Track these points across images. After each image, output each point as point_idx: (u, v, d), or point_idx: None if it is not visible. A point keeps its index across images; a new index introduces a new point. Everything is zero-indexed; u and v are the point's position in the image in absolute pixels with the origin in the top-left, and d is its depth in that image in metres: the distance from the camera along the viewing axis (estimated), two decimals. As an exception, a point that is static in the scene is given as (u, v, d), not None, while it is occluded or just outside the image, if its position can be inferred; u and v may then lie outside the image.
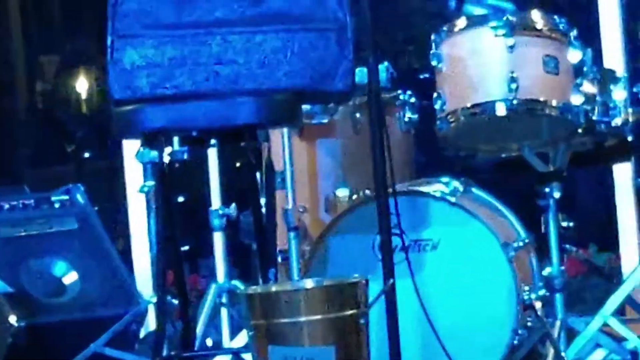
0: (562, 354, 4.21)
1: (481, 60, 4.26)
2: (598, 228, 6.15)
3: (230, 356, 4.70)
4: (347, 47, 3.62)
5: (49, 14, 8.34)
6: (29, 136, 7.72)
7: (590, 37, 5.00)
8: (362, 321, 2.96)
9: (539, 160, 4.30)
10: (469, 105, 4.18)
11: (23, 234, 5.15)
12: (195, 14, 3.65)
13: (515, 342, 4.14)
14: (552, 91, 4.22)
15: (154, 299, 4.21)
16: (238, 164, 4.80)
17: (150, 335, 5.04)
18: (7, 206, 5.17)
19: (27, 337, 4.92)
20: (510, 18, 4.25)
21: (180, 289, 4.09)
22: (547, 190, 4.26)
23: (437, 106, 4.23)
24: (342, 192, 4.56)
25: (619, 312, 4.60)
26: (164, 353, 3.69)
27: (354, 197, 4.42)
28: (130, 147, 4.93)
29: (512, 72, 4.05)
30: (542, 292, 4.36)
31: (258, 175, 3.92)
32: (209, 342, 5.00)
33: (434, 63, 4.28)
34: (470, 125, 4.26)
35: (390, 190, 3.51)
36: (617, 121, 4.31)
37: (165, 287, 3.97)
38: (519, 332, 4.16)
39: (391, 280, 3.37)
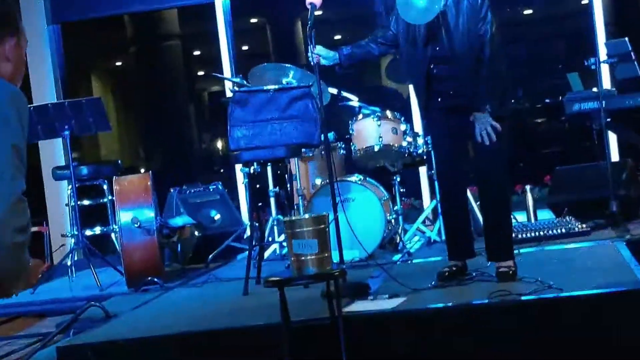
0: (402, 239, 7.29)
1: (368, 130, 7.25)
2: (414, 190, 9.03)
3: (278, 245, 7.80)
4: (318, 127, 6.16)
5: (205, 117, 11.80)
6: (201, 164, 11.34)
7: (410, 118, 8.06)
8: (327, 229, 4.71)
9: (390, 167, 7.43)
10: (364, 146, 7.22)
11: (198, 200, 8.48)
12: (261, 116, 6.28)
13: (385, 234, 7.14)
14: (395, 140, 7.20)
15: (249, 223, 7.60)
16: (279, 172, 7.68)
17: (248, 237, 7.80)
18: (193, 190, 8.54)
19: (201, 240, 8.27)
20: (379, 114, 7.24)
21: (258, 219, 7.13)
22: (394, 177, 7.43)
23: (352, 148, 7.34)
24: (318, 181, 7.47)
25: (423, 222, 7.72)
26: (253, 243, 6.56)
27: (322, 182, 7.28)
28: (238, 167, 8.32)
29: (380, 134, 7.14)
30: (394, 216, 7.34)
31: (286, 176, 7.24)
32: (270, 239, 7.94)
33: (350, 131, 7.35)
34: (365, 154, 7.25)
35: (334, 179, 5.96)
36: (420, 151, 7.36)
37: (253, 219, 7.15)
38: (386, 231, 7.13)
39: (334, 215, 5.69)
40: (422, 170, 8.75)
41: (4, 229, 2.49)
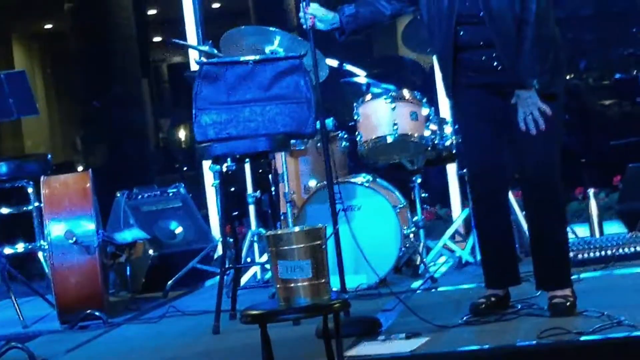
0: (424, 259, 7.35)
1: (379, 115, 7.27)
2: (440, 196, 9.05)
3: (259, 267, 7.76)
4: (312, 111, 6.24)
5: (165, 96, 11.92)
6: (157, 160, 11.47)
7: (434, 99, 8.03)
8: (323, 247, 4.54)
9: (408, 163, 7.44)
10: (373, 137, 7.25)
11: (154, 208, 8.47)
12: (237, 96, 6.36)
13: (400, 254, 7.15)
14: (414, 129, 7.23)
15: (220, 239, 7.65)
16: (260, 171, 7.60)
17: (219, 257, 7.91)
18: (147, 195, 8.54)
19: (158, 261, 8.29)
20: (393, 94, 7.27)
21: (233, 233, 7.14)
22: (413, 178, 7.46)
23: (358, 139, 7.32)
24: (312, 183, 7.57)
25: (451, 237, 7.67)
26: (226, 265, 6.55)
27: (318, 185, 7.35)
28: (206, 164, 8.19)
29: (395, 120, 7.16)
30: (413, 229, 7.38)
31: (270, 176, 6.98)
32: (249, 260, 7.91)
33: (355, 117, 7.36)
34: (374, 147, 7.28)
35: (334, 180, 6.08)
36: (447, 143, 7.39)
37: (226, 233, 7.04)
38: (402, 249, 7.14)
39: (334, 228, 5.70)
40: (451, 169, 8.75)
41: None
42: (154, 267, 8.43)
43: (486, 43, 5.60)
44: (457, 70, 5.72)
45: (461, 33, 5.60)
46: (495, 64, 5.61)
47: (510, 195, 6.39)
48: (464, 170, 6.90)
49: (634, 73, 7.68)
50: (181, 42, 9.30)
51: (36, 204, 8.07)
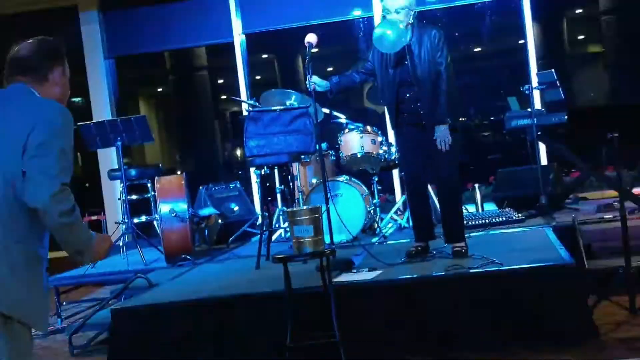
0: (379, 225, 7.21)
1: (353, 141, 7.17)
2: (389, 187, 8.92)
3: (283, 230, 7.70)
4: (313, 139, 6.24)
5: (227, 130, 11.65)
6: (224, 167, 11.27)
7: (385, 132, 7.81)
8: (320, 218, 4.67)
9: (370, 169, 7.32)
10: (350, 154, 7.15)
11: (221, 195, 8.42)
12: (269, 130, 6.37)
13: (365, 222, 7.04)
14: (374, 149, 7.13)
15: (260, 213, 7.60)
16: (283, 174, 7.45)
17: (259, 224, 7.55)
18: (217, 187, 8.53)
19: (223, 227, 8.25)
20: (361, 128, 7.21)
21: (267, 210, 7.01)
22: (373, 178, 7.36)
23: (340, 155, 7.26)
24: (314, 180, 7.38)
25: (395, 212, 7.58)
26: (264, 228, 6.58)
27: (317, 182, 7.17)
28: (252, 170, 8.27)
29: (362, 144, 7.09)
30: (372, 207, 7.22)
31: (289, 176, 7.08)
32: (277, 225, 7.73)
33: (339, 142, 7.27)
34: (350, 160, 7.16)
35: (326, 179, 5.91)
36: (392, 157, 7.27)
37: (263, 210, 7.05)
38: (366, 219, 7.03)
39: (326, 207, 5.57)
40: (395, 172, 8.71)
41: (50, 214, 2.59)
42: (221, 230, 8.35)
43: (416, 98, 5.58)
44: (399, 114, 5.68)
45: (401, 93, 5.58)
46: (420, 111, 5.57)
47: (430, 188, 6.35)
48: (402, 174, 7.13)
49: (501, 117, 7.69)
50: (237, 99, 9.28)
51: (152, 193, 8.01)
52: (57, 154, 2.64)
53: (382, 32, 5.39)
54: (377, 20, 9.25)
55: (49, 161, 2.61)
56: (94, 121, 8.17)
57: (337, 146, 7.28)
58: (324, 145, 7.06)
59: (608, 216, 6.51)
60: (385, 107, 5.86)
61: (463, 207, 6.37)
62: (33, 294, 2.72)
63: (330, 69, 10.59)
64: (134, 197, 8.29)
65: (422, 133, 5.60)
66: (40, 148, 2.61)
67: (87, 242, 2.79)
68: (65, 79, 2.92)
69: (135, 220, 8.11)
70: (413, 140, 5.71)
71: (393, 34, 5.36)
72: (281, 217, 7.85)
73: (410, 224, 6.28)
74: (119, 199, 8.35)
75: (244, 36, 10.06)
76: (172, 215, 7.26)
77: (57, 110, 2.74)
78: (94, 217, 9.51)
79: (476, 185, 8.14)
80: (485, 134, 11.16)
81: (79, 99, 10.46)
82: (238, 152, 11.66)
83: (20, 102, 2.74)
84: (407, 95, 5.61)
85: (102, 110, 10.12)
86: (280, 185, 7.84)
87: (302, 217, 4.71)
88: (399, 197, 8.67)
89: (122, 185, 8.03)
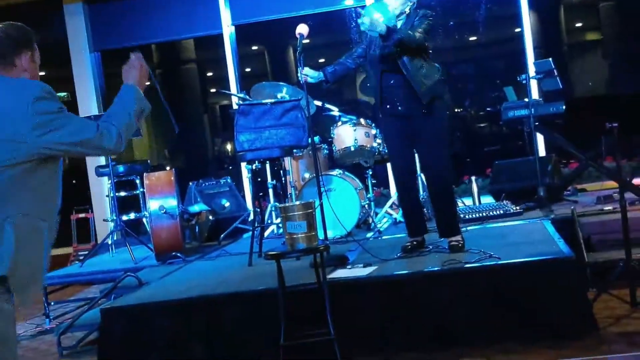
0: (374, 220, 7.18)
1: (346, 134, 7.07)
2: (383, 181, 8.84)
3: (275, 226, 7.61)
4: (306, 132, 6.14)
5: (217, 124, 11.69)
6: (213, 162, 11.23)
7: (377, 123, 7.25)
8: (313, 213, 4.71)
9: (364, 163, 7.27)
10: (343, 147, 7.05)
11: (212, 191, 8.38)
12: (260, 123, 6.22)
13: (360, 216, 7.02)
14: (367, 142, 7.04)
15: (252, 209, 7.64)
16: (275, 168, 7.40)
17: (251, 220, 7.69)
18: (207, 183, 8.47)
19: (214, 223, 8.22)
20: (354, 121, 7.07)
21: (259, 206, 7.00)
22: (367, 171, 7.29)
23: (333, 148, 7.15)
24: (307, 175, 7.38)
25: (390, 206, 7.54)
26: (256, 225, 6.61)
27: (310, 176, 7.18)
28: (243, 165, 8.34)
29: (355, 137, 7.00)
30: (367, 202, 7.18)
31: (281, 171, 7.10)
32: (269, 221, 7.74)
33: (332, 135, 7.17)
34: (343, 153, 7.07)
35: (319, 173, 5.83)
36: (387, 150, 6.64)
37: (255, 205, 7.06)
38: (361, 213, 7.01)
39: (320, 202, 5.57)
40: (389, 166, 8.51)
41: (116, 149, 2.95)
42: (212, 227, 8.36)
43: (398, 85, 5.54)
44: (382, 103, 5.64)
45: (384, 78, 5.54)
46: (403, 100, 5.53)
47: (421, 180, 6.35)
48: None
49: (497, 107, 7.68)
50: (227, 92, 9.30)
51: (141, 189, 8.03)
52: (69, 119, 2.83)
53: (367, 13, 5.35)
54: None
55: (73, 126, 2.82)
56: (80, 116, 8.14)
57: (330, 139, 7.26)
58: (316, 138, 7.00)
59: (608, 208, 6.53)
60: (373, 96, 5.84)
61: (457, 199, 6.36)
62: (27, 263, 2.77)
63: (322, 60, 10.57)
64: (122, 193, 8.34)
65: (407, 122, 5.57)
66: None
67: (138, 108, 3.04)
68: (34, 64, 2.97)
69: (124, 218, 8.18)
70: (398, 130, 5.67)
71: (377, 15, 5.31)
72: (273, 213, 7.85)
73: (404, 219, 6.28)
74: (107, 195, 8.39)
75: (233, 28, 10.05)
76: (162, 212, 7.28)
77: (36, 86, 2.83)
78: (81, 215, 9.52)
79: (473, 178, 8.15)
80: (482, 125, 11.15)
81: (64, 93, 10.32)
82: (228, 147, 11.68)
83: None
84: (391, 82, 5.54)
85: (88, 104, 10.11)
86: (272, 180, 7.81)
87: (295, 213, 4.72)
88: (394, 190, 8.48)
89: (110, 181, 8.08)
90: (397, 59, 5.41)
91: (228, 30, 10.01)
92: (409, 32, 5.34)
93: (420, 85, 5.40)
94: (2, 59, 2.87)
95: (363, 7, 5.65)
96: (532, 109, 7.33)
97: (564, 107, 7.19)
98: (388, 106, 5.61)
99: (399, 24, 5.45)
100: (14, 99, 2.75)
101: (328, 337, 4.57)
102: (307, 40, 5.77)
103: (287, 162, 7.45)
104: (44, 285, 6.81)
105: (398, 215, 7.47)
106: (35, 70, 2.97)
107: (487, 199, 8.06)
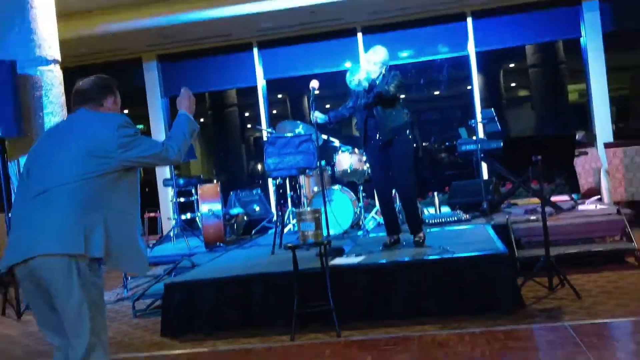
0: (363, 222, 6.84)
1: (344, 160, 6.84)
2: (372, 194, 8.29)
3: (292, 225, 7.46)
4: (315, 158, 6.25)
5: (251, 151, 11.50)
6: (248, 179, 11.15)
7: None
8: (320, 216, 4.74)
9: (357, 181, 6.94)
10: (342, 169, 6.82)
11: (247, 199, 8.21)
12: (283, 151, 6.34)
13: (353, 220, 6.89)
14: (359, 166, 6.78)
15: (275, 213, 7.65)
16: (293, 183, 7.52)
17: (274, 220, 7.55)
18: (244, 193, 8.38)
19: (247, 222, 8.12)
20: (350, 150, 6.86)
21: (281, 210, 6.89)
22: (359, 187, 7.03)
23: (335, 170, 6.92)
24: (315, 188, 7.19)
25: (375, 212, 7.36)
26: (278, 224, 6.40)
27: (317, 190, 6.99)
28: (270, 180, 8.33)
29: (351, 162, 6.76)
30: (358, 209, 6.91)
31: (297, 185, 7.19)
32: (288, 222, 7.56)
33: (334, 160, 6.95)
34: (342, 174, 6.85)
35: (324, 187, 5.90)
36: None
37: (278, 210, 6.95)
38: (354, 218, 6.89)
39: (323, 207, 5.47)
40: None
41: (175, 160, 2.89)
42: (246, 225, 8.32)
43: (374, 125, 5.50)
44: (366, 138, 5.59)
45: (368, 120, 5.50)
46: (379, 135, 5.49)
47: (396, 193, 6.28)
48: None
49: (454, 142, 7.70)
50: (259, 127, 9.29)
51: (196, 196, 8.04)
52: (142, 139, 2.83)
53: (350, 75, 5.40)
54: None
55: (146, 145, 2.83)
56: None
57: (333, 163, 7.18)
58: (323, 162, 6.91)
59: (532, 218, 6.49)
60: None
61: (425, 210, 6.31)
62: (130, 247, 2.78)
63: (327, 105, 10.54)
64: (181, 199, 8.34)
65: (383, 152, 5.51)
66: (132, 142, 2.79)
67: (190, 130, 2.98)
68: (116, 105, 2.96)
69: (183, 217, 8.17)
70: (377, 158, 5.60)
71: (359, 77, 5.34)
72: (291, 216, 7.80)
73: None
74: (171, 200, 8.43)
75: (264, 81, 10.10)
76: (210, 213, 7.30)
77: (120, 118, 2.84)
78: (151, 214, 9.52)
79: (435, 194, 8.09)
80: (443, 155, 11.14)
81: (141, 126, 10.46)
82: (259, 167, 11.65)
83: (89, 118, 2.82)
84: (370, 123, 5.49)
85: (158, 135, 10.09)
86: (290, 191, 7.78)
87: (307, 216, 4.75)
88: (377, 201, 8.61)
89: (173, 190, 8.09)
90: (373, 108, 5.41)
91: (261, 83, 10.06)
92: (385, 87, 5.34)
93: (384, 127, 5.38)
94: (93, 101, 2.86)
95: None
96: (479, 145, 7.32)
97: (502, 144, 7.12)
98: (371, 141, 5.56)
99: (377, 82, 5.43)
100: (103, 126, 2.74)
101: (328, 307, 4.57)
102: (317, 92, 5.74)
103: (302, 179, 7.40)
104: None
105: (380, 219, 7.39)
106: (117, 109, 2.96)
107: (445, 209, 7.99)
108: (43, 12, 6.58)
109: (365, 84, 5.33)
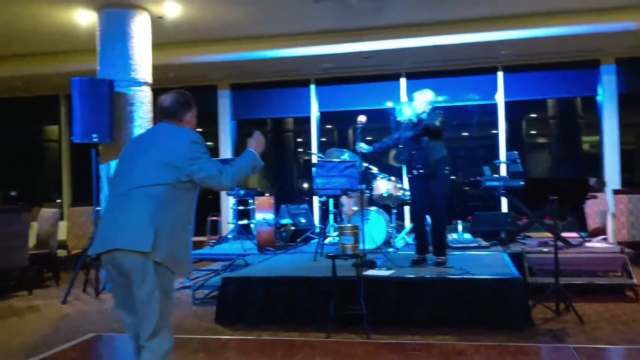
0: (394, 241, 6.82)
1: (381, 185, 6.85)
2: (403, 217, 8.75)
3: (331, 238, 7.32)
4: (357, 181, 6.07)
5: (302, 171, 11.23)
6: (299, 195, 10.84)
7: (401, 180, 7.62)
8: (358, 232, 4.68)
9: (391, 204, 6.96)
10: (379, 193, 6.83)
11: (295, 211, 8.09)
12: (330, 173, 6.08)
13: (385, 238, 6.75)
14: (395, 191, 6.81)
15: (319, 225, 7.47)
16: (336, 202, 7.39)
17: (318, 231, 7.51)
18: (293, 207, 8.21)
19: (294, 232, 7.93)
20: (387, 178, 6.91)
21: (324, 224, 7.01)
22: (393, 210, 7.05)
23: (373, 193, 6.85)
24: (355, 208, 7.10)
25: (406, 233, 7.22)
26: (321, 235, 6.53)
27: (357, 209, 6.94)
28: (316, 198, 8.40)
29: (387, 187, 6.80)
30: (390, 229, 6.84)
31: (340, 204, 7.08)
32: (329, 235, 7.41)
33: (372, 185, 6.89)
34: (379, 197, 6.83)
35: (363, 208, 6.29)
36: (406, 198, 6.93)
37: (321, 224, 7.05)
38: (386, 236, 6.75)
39: (361, 224, 5.54)
40: (406, 208, 8.48)
41: (228, 185, 2.81)
42: (293, 234, 8.23)
43: (418, 157, 5.49)
44: (410, 169, 5.58)
45: (413, 154, 5.49)
46: (421, 167, 5.48)
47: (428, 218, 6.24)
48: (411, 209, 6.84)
49: (478, 178, 7.61)
50: (310, 152, 9.32)
51: (252, 206, 8.06)
52: (214, 162, 2.78)
53: (400, 107, 5.46)
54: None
55: (207, 165, 2.75)
56: (220, 158, 8.30)
57: (371, 187, 7.16)
58: (363, 186, 6.86)
59: (545, 249, 6.34)
60: (404, 166, 5.81)
61: (448, 234, 6.22)
62: (181, 253, 2.73)
63: (369, 138, 10.55)
64: (240, 207, 8.37)
65: (425, 181, 5.48)
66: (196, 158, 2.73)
67: (251, 165, 2.89)
68: (194, 120, 2.95)
69: (240, 222, 8.20)
70: (418, 186, 5.57)
71: (408, 110, 5.41)
72: (332, 229, 7.74)
73: (414, 242, 6.19)
74: (231, 207, 8.44)
75: (318, 113, 10.12)
76: (264, 221, 7.29)
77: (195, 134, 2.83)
78: (214, 218, 9.56)
79: (459, 222, 7.98)
80: (467, 189, 10.96)
81: (211, 143, 10.61)
82: (305, 185, 11.63)
83: (168, 130, 2.82)
84: (415, 154, 5.48)
85: (225, 152, 10.20)
86: (333, 208, 7.72)
87: (347, 231, 4.74)
88: (408, 224, 8.53)
89: (234, 199, 8.12)
90: (420, 140, 5.39)
91: (315, 114, 10.09)
92: (432, 121, 5.36)
93: (428, 159, 5.37)
94: (174, 115, 2.86)
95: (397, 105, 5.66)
96: (502, 182, 7.20)
97: (523, 183, 7.01)
98: (414, 170, 5.55)
99: (423, 117, 5.45)
100: (179, 139, 2.74)
101: (361, 312, 4.53)
102: (363, 125, 5.75)
103: (344, 198, 7.36)
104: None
105: (409, 239, 7.32)
106: (195, 124, 2.95)
107: (467, 236, 7.83)
108: (140, 42, 6.76)
109: (414, 118, 5.39)
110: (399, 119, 5.42)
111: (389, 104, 9.66)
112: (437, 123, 5.33)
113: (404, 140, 5.59)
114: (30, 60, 8.94)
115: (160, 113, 2.86)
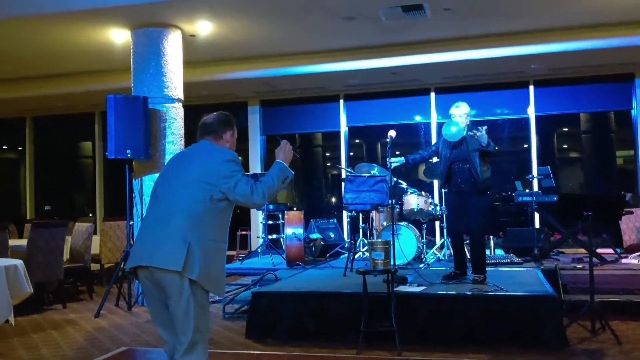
0: (425, 256, 6.82)
1: (412, 200, 6.82)
2: (433, 232, 8.69)
3: (362, 253, 7.28)
4: (387, 197, 5.99)
5: (330, 186, 11.29)
6: (326, 210, 10.87)
7: (432, 195, 7.76)
8: (389, 247, 4.55)
9: (422, 219, 6.97)
10: (409, 208, 6.84)
11: (324, 226, 8.07)
12: (359, 188, 6.12)
13: (416, 253, 6.77)
14: (426, 206, 6.79)
15: (348, 240, 7.32)
16: (365, 217, 7.24)
17: (347, 247, 7.57)
18: (322, 221, 8.15)
19: (323, 247, 7.93)
20: (417, 192, 6.89)
21: (354, 239, 6.72)
22: (423, 225, 7.03)
23: (403, 208, 6.87)
24: (385, 223, 7.04)
25: (436, 248, 7.18)
26: (350, 251, 6.37)
27: (387, 224, 6.94)
28: (345, 212, 8.15)
29: (418, 202, 6.79)
30: (421, 244, 6.90)
31: (370, 218, 7.02)
32: (359, 250, 7.36)
33: (402, 199, 6.90)
34: (409, 212, 6.81)
35: (393, 223, 6.04)
36: (437, 213, 6.95)
37: (351, 238, 6.75)
38: (417, 251, 6.79)
39: (391, 239, 5.19)
40: (437, 223, 8.51)
41: (259, 203, 2.78)
42: (322, 249, 8.24)
43: (458, 172, 5.43)
44: (449, 183, 5.52)
45: (452, 167, 5.45)
46: (463, 182, 5.42)
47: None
48: (443, 225, 6.90)
49: (511, 194, 7.54)
50: (339, 166, 9.29)
51: (282, 221, 8.10)
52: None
53: (449, 127, 5.36)
54: (433, 124, 9.43)
55: (240, 183, 2.74)
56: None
57: (401, 202, 7.14)
58: (393, 201, 6.83)
59: (579, 266, 6.27)
60: (437, 180, 5.78)
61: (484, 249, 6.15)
62: (215, 272, 2.73)
63: (397, 152, 10.53)
64: (270, 222, 8.40)
65: (462, 197, 5.43)
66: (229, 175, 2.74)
67: (281, 177, 2.84)
68: (233, 138, 2.98)
69: (270, 237, 8.23)
70: (455, 202, 5.53)
71: (456, 129, 5.32)
72: (361, 244, 7.71)
73: (447, 257, 6.19)
74: (261, 222, 8.49)
75: (347, 127, 10.13)
76: (293, 235, 7.32)
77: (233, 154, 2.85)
78: (243, 232, 9.60)
79: (491, 237, 7.89)
80: (499, 203, 10.83)
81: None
82: (333, 199, 11.63)
83: (207, 149, 2.85)
84: (456, 170, 5.43)
85: (255, 166, 10.27)
86: (362, 223, 7.69)
87: (378, 246, 4.69)
88: (439, 239, 8.44)
89: (263, 213, 8.16)
90: (467, 156, 5.34)
91: (344, 129, 10.10)
92: (491, 144, 5.27)
93: (479, 177, 5.30)
94: (215, 134, 2.89)
95: (442, 122, 5.63)
96: (534, 197, 7.15)
97: (556, 198, 6.95)
98: (454, 189, 5.49)
99: (465, 132, 5.38)
100: (215, 158, 2.76)
101: (392, 328, 4.49)
102: (387, 139, 5.76)
103: (373, 213, 7.33)
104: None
105: (440, 254, 7.25)
106: (234, 142, 2.98)
107: (499, 251, 7.76)
108: (173, 60, 6.88)
109: (463, 132, 5.33)
110: (448, 137, 5.38)
111: (418, 118, 9.69)
112: (492, 145, 5.29)
113: (444, 156, 5.54)
114: (69, 79, 9.17)
115: (201, 130, 2.89)
